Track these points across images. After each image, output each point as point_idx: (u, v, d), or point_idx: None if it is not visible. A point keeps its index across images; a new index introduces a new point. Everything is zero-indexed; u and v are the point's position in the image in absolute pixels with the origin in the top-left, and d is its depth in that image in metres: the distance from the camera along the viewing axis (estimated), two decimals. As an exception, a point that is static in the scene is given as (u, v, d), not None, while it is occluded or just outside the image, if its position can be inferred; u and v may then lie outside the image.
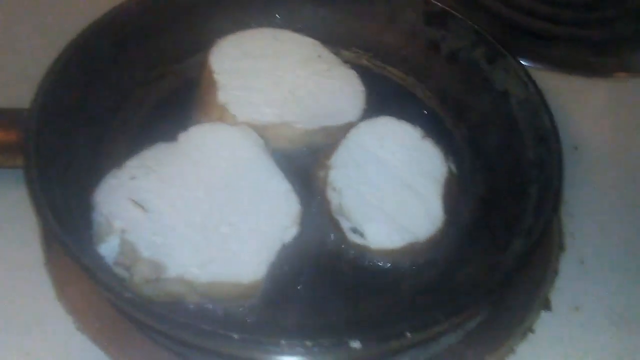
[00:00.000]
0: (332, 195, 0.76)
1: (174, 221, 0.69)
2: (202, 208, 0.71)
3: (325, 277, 0.73)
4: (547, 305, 0.77)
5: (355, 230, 0.73)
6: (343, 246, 0.75)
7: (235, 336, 0.55)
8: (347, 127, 0.85)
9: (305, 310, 0.70)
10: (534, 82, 0.82)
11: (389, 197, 0.76)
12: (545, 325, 0.75)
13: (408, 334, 0.56)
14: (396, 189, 0.77)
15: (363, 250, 0.74)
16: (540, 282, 0.79)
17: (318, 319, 0.69)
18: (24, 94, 0.75)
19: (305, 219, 0.75)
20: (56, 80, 0.76)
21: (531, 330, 0.75)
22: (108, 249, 0.68)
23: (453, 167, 0.80)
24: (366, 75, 0.93)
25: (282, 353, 0.56)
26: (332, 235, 0.76)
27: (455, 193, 0.79)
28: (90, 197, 0.72)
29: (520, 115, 0.82)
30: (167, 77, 0.93)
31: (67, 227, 0.64)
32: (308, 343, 0.55)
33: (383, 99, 0.91)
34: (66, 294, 0.73)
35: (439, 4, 0.93)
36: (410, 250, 0.73)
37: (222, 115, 0.84)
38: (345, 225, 0.74)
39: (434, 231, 0.74)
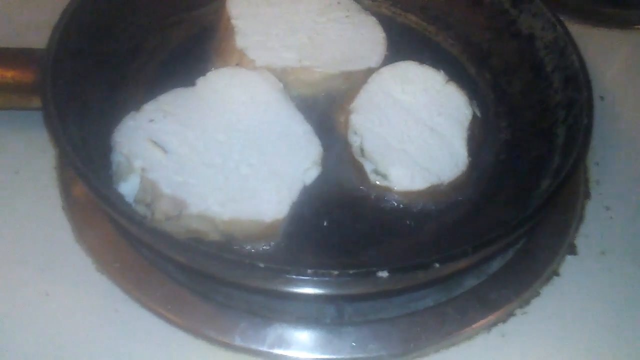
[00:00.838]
0: (353, 139, 0.75)
1: (194, 162, 0.68)
2: (222, 150, 0.70)
3: (348, 219, 0.72)
4: (572, 250, 0.76)
5: (377, 173, 0.72)
6: (365, 188, 0.73)
7: (261, 265, 0.54)
8: (367, 73, 0.83)
9: (327, 250, 0.69)
10: (561, 23, 0.79)
11: (412, 140, 0.74)
12: (571, 269, 0.74)
13: (436, 265, 0.55)
14: (419, 132, 0.75)
15: (385, 192, 0.72)
16: (566, 228, 0.77)
17: (340, 259, 0.68)
18: (38, 36, 0.73)
19: (326, 162, 0.74)
20: (71, 22, 0.74)
21: (557, 273, 0.73)
22: (128, 188, 0.67)
23: (477, 111, 0.78)
24: (386, 22, 0.91)
25: (308, 283, 0.55)
26: (353, 178, 0.74)
27: (479, 136, 0.77)
28: (107, 139, 0.71)
29: (547, 57, 0.80)
30: (182, 24, 0.91)
31: (86, 166, 0.63)
32: (335, 272, 0.54)
33: (404, 46, 0.89)
34: (85, 236, 0.72)
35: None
36: (433, 192, 0.72)
37: (241, 60, 0.82)
38: (367, 167, 0.73)
39: (458, 174, 0.72)
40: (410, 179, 0.71)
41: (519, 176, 0.75)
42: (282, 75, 0.80)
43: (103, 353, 0.64)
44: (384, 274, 0.54)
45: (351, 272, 0.54)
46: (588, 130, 0.68)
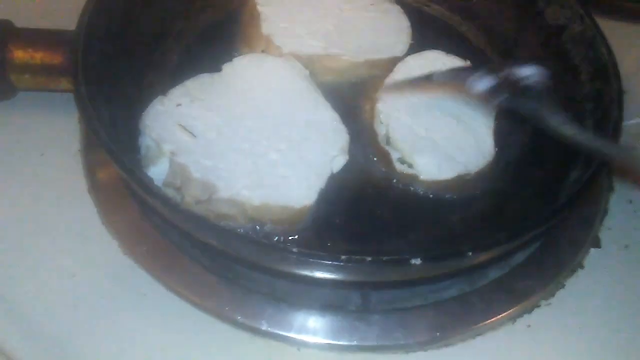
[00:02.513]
0: (379, 127, 0.75)
1: (222, 147, 0.69)
2: (250, 136, 0.70)
3: (373, 207, 0.72)
4: (596, 243, 0.76)
5: (403, 161, 0.72)
6: (391, 176, 0.73)
7: (295, 250, 0.54)
8: (392, 62, 0.83)
9: (353, 238, 0.69)
10: (590, 15, 0.79)
11: (439, 129, 0.74)
12: (595, 261, 0.74)
13: (469, 253, 0.55)
14: (445, 121, 0.75)
15: (411, 181, 0.72)
16: (590, 221, 0.77)
17: (366, 246, 0.68)
18: (67, 18, 0.73)
19: (352, 150, 0.74)
20: (99, 4, 0.74)
21: (581, 266, 0.74)
22: (157, 172, 0.67)
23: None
24: (410, 12, 0.91)
25: (340, 269, 0.55)
26: (379, 166, 0.74)
27: (506, 128, 0.77)
28: (134, 123, 0.71)
29: (575, 49, 0.79)
30: (206, 9, 0.91)
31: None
32: (368, 258, 0.54)
33: (428, 35, 0.89)
34: (111, 219, 0.72)
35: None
36: (460, 182, 0.72)
37: (267, 47, 0.82)
38: (393, 156, 0.73)
39: (485, 164, 0.72)
40: (437, 168, 0.71)
41: (545, 168, 0.75)
42: (308, 63, 0.80)
43: (129, 335, 0.65)
44: (417, 261, 0.54)
45: (384, 258, 0.54)
46: (618, 123, 0.68)
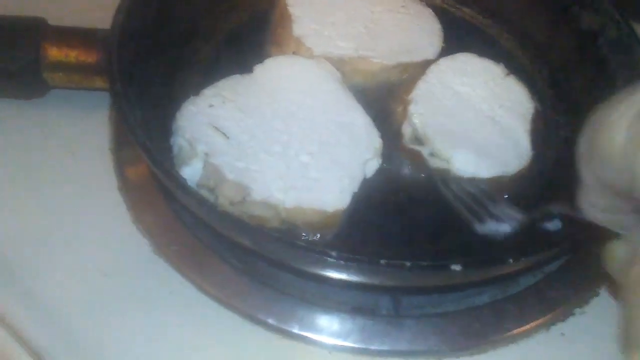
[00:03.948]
0: (413, 128, 0.74)
1: (255, 149, 0.68)
2: (282, 138, 0.70)
3: (406, 211, 0.71)
4: (631, 251, 0.74)
5: (439, 157, 0.71)
6: (424, 178, 0.72)
7: (333, 253, 0.53)
8: (424, 65, 0.82)
9: (385, 241, 0.69)
10: (627, 21, 0.78)
11: (474, 130, 0.73)
12: (630, 270, 0.73)
13: (510, 260, 0.54)
14: (480, 123, 0.74)
15: (445, 179, 0.71)
16: (623, 228, 0.76)
17: (398, 250, 0.68)
18: (101, 16, 0.73)
19: (385, 154, 0.73)
20: (133, 2, 0.74)
21: (615, 274, 0.72)
22: (190, 172, 0.67)
23: (538, 105, 0.77)
24: (440, 14, 0.90)
25: (378, 273, 0.55)
26: (411, 169, 0.74)
27: (542, 130, 0.76)
28: (165, 122, 0.71)
29: (610, 55, 0.78)
30: (235, 9, 0.91)
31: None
32: (407, 263, 0.53)
33: (459, 38, 0.88)
34: (141, 218, 0.72)
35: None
36: (496, 182, 0.71)
37: (298, 48, 0.82)
38: (425, 153, 0.72)
39: (522, 166, 0.71)
40: (475, 166, 0.70)
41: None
42: (339, 65, 0.80)
43: (160, 335, 0.64)
44: (457, 267, 0.53)
45: (424, 264, 0.53)
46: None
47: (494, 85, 0.78)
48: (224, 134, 0.68)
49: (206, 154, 0.66)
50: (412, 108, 0.75)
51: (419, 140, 0.73)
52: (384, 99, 0.81)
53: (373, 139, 0.72)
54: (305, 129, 0.72)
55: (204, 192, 0.65)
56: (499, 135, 0.73)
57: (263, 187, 0.65)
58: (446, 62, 0.80)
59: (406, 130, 0.75)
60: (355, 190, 0.68)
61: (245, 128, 0.70)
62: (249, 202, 0.63)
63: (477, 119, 0.74)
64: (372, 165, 0.71)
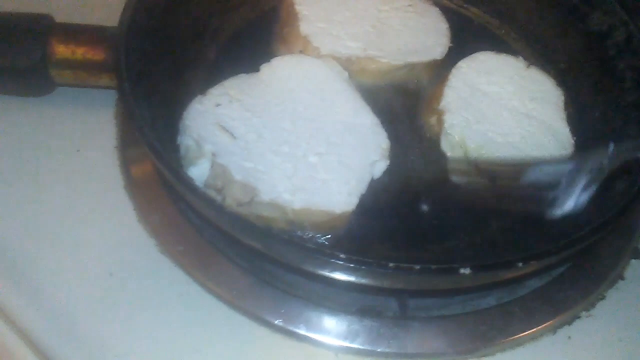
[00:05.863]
0: (451, 139, 0.73)
1: (262, 149, 0.68)
2: (289, 138, 0.70)
3: (413, 212, 0.71)
4: (637, 254, 0.75)
5: (482, 169, 0.70)
6: (437, 183, 0.72)
7: (342, 256, 0.53)
8: (432, 65, 0.82)
9: (391, 243, 0.68)
10: (635, 22, 0.77)
11: (513, 131, 0.73)
12: (636, 272, 0.73)
13: (520, 264, 0.54)
14: (517, 121, 0.74)
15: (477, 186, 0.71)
16: (630, 232, 0.76)
17: (407, 253, 0.68)
18: (108, 14, 0.73)
19: (392, 155, 0.73)
20: (141, 1, 0.73)
21: (621, 277, 0.73)
22: (197, 172, 0.66)
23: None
24: (447, 13, 0.89)
25: (387, 276, 0.54)
26: (425, 171, 0.73)
27: (574, 115, 0.77)
28: (172, 122, 0.70)
29: (618, 56, 0.78)
30: (243, 7, 0.91)
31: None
32: (416, 267, 0.53)
33: (466, 38, 0.88)
34: (147, 218, 0.72)
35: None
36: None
37: (305, 47, 0.81)
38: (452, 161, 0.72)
39: (567, 154, 0.72)
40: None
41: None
42: (347, 64, 0.79)
43: (165, 335, 0.64)
44: (466, 270, 0.53)
45: (433, 267, 0.53)
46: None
47: (519, 78, 0.78)
48: (231, 133, 0.68)
49: (213, 154, 0.66)
50: (446, 119, 0.74)
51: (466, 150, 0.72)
52: (392, 99, 0.80)
53: (380, 140, 0.72)
54: (312, 129, 0.71)
55: (212, 193, 0.64)
56: (537, 130, 0.73)
57: (271, 188, 0.64)
58: (466, 63, 0.79)
59: (450, 140, 0.74)
60: (363, 191, 0.67)
61: (252, 128, 0.70)
62: (257, 202, 0.63)
63: (513, 118, 0.74)
64: (380, 166, 0.71)
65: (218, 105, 0.71)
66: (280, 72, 0.77)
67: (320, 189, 0.66)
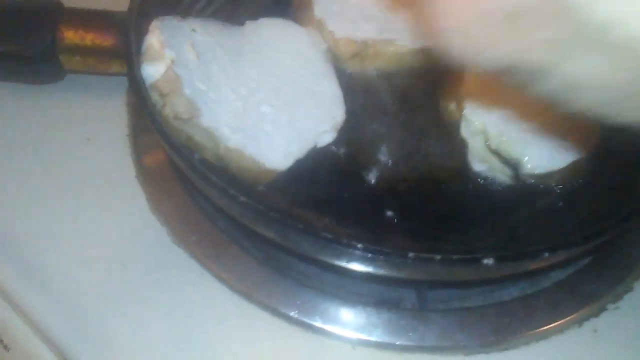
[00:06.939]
0: (472, 125, 0.70)
1: (221, 81, 0.67)
2: (250, 83, 0.69)
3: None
4: (666, 245, 0.71)
5: (507, 163, 0.67)
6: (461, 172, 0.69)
7: (360, 245, 0.51)
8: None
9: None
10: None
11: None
12: (665, 264, 0.70)
13: (546, 254, 0.52)
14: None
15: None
16: (659, 221, 0.73)
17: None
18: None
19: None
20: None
21: (650, 268, 0.70)
22: (150, 71, 0.63)
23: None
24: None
25: (406, 266, 0.52)
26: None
27: None
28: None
29: None
30: (255, -8, 0.88)
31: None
32: (437, 256, 0.51)
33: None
34: (160, 207, 0.70)
35: None
36: (572, 169, 0.67)
37: (319, 31, 0.79)
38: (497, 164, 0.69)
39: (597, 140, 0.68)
40: (549, 159, 0.66)
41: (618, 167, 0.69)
42: (363, 48, 0.77)
43: (178, 326, 0.63)
44: (489, 261, 0.51)
45: (455, 257, 0.51)
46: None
47: None
48: (197, 55, 0.66)
49: (172, 61, 0.63)
50: (467, 104, 0.70)
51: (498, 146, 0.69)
52: (409, 84, 0.78)
53: (336, 113, 0.70)
54: (275, 84, 0.70)
55: (154, 95, 0.62)
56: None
57: (214, 116, 0.63)
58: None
59: (464, 128, 0.70)
60: (301, 156, 0.66)
61: (218, 61, 0.68)
62: (194, 124, 0.61)
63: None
64: (326, 137, 0.69)
65: (193, 30, 0.69)
66: (263, 30, 0.76)
67: (260, 138, 0.64)
